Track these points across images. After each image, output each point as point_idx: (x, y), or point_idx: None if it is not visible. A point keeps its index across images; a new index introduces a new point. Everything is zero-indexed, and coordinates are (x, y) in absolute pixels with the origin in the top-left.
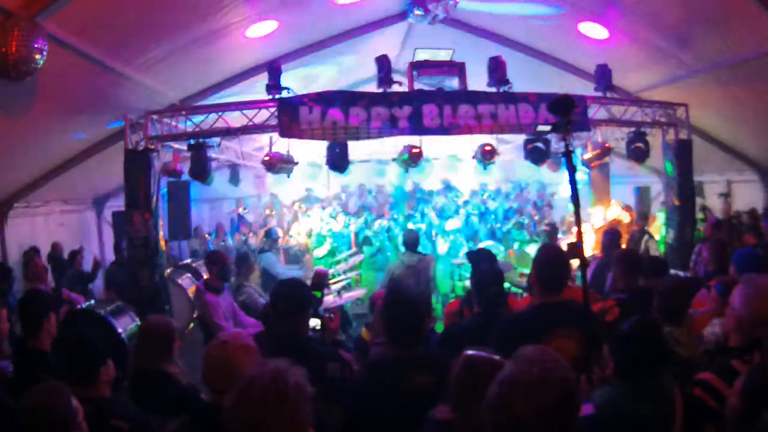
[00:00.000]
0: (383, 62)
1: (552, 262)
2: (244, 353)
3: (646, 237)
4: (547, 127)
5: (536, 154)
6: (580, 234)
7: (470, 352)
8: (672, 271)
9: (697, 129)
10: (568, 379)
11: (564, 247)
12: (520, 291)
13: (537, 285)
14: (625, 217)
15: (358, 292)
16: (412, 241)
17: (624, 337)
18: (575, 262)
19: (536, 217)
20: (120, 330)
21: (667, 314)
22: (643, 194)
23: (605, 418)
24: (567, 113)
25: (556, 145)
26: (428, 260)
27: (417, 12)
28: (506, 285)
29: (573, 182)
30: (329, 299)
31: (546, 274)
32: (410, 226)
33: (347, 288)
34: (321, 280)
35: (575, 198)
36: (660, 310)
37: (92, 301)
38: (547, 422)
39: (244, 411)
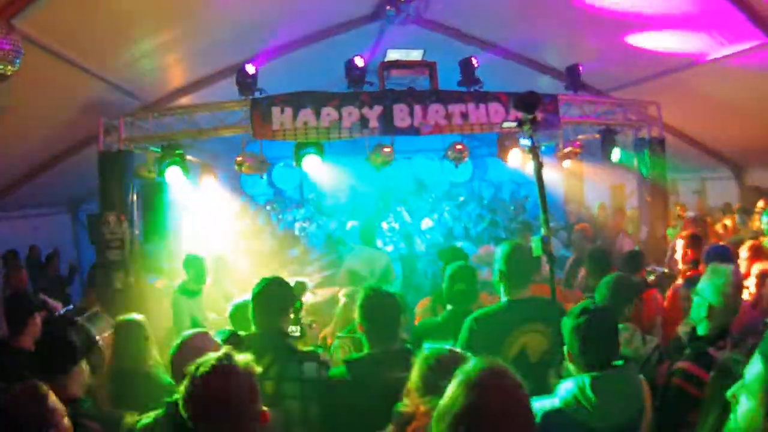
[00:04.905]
0: (354, 62)
1: (519, 258)
2: (208, 348)
3: (620, 235)
4: (513, 124)
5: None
6: (547, 229)
7: (432, 345)
8: (649, 267)
9: (669, 127)
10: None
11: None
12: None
13: (505, 282)
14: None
15: (332, 291)
16: (367, 236)
17: (578, 328)
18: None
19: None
20: (97, 336)
21: None
22: (616, 192)
23: (571, 411)
24: (532, 110)
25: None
26: (380, 254)
27: (389, 12)
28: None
29: (539, 178)
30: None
31: (514, 270)
32: (384, 225)
33: (321, 286)
34: (300, 290)
35: (542, 194)
36: None
37: (70, 306)
38: None
39: (196, 391)
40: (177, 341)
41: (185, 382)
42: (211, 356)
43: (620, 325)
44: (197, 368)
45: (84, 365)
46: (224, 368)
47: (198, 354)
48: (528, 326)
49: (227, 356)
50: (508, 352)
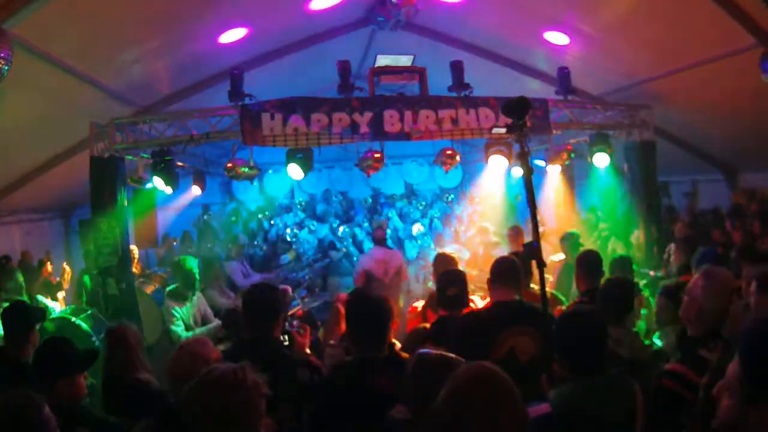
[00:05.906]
0: (344, 68)
1: (507, 263)
2: (206, 355)
3: (612, 239)
4: (503, 130)
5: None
6: (536, 235)
7: (424, 350)
8: (643, 270)
9: (660, 130)
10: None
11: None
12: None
13: (493, 285)
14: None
15: (323, 298)
16: (379, 237)
17: (566, 333)
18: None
19: None
20: (94, 338)
21: (607, 315)
22: (607, 195)
23: (562, 417)
24: (522, 115)
25: (515, 147)
26: (395, 253)
27: (379, 17)
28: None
29: (528, 184)
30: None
31: (501, 274)
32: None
33: (311, 294)
34: (284, 299)
35: (531, 199)
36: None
37: (67, 309)
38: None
39: (200, 394)
40: (176, 347)
41: (191, 386)
42: (227, 366)
43: (626, 329)
44: (207, 374)
45: (76, 376)
46: (236, 381)
47: (196, 360)
48: (517, 328)
49: (242, 369)
50: (497, 352)
